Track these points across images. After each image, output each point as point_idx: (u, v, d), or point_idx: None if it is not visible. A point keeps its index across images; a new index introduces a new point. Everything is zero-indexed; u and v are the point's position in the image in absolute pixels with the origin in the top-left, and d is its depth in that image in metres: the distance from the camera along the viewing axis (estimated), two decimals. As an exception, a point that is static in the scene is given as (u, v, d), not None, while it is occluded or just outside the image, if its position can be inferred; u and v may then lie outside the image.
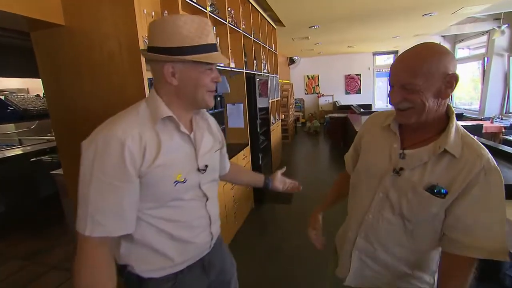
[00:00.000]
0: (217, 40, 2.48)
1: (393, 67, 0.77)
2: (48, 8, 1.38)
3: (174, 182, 0.79)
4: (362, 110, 6.73)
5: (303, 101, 9.57)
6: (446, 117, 0.80)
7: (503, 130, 4.67)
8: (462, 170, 0.73)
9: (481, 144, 0.76)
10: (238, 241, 2.68)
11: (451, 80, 0.72)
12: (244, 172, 1.33)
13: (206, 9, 2.13)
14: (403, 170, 0.80)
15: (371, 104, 8.93)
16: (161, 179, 0.77)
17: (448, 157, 0.75)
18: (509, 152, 2.10)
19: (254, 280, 2.12)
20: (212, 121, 1.01)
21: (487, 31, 5.88)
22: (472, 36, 6.87)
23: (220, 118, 2.99)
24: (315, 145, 7.01)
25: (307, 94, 9.56)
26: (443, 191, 0.74)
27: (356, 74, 9.24)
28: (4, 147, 3.33)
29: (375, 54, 9.04)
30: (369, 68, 9.13)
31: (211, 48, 0.79)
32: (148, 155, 0.75)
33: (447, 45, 7.81)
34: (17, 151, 3.21)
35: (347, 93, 9.43)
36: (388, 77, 0.80)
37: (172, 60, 0.76)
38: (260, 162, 3.43)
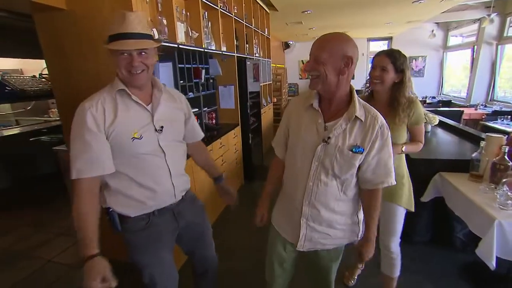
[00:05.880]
0: (208, 25, 2.58)
1: (312, 44, 0.99)
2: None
3: (132, 138, 1.03)
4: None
5: (297, 85, 9.64)
6: (349, 93, 1.03)
7: (483, 117, 4.80)
8: (368, 130, 1.00)
9: (374, 109, 1.04)
10: (228, 214, 2.89)
11: (348, 61, 0.95)
12: (204, 156, 1.45)
13: (198, -5, 2.23)
14: (330, 139, 1.01)
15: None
16: (121, 135, 1.01)
17: (358, 121, 1.00)
18: (471, 133, 2.56)
19: (241, 248, 2.35)
20: (176, 95, 1.24)
21: (478, 19, 5.92)
22: (464, 23, 6.91)
23: (212, 99, 3.14)
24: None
25: (301, 79, 9.61)
26: (360, 149, 1.00)
27: (350, 60, 9.32)
28: (1, 127, 3.39)
29: (369, 40, 9.06)
30: (363, 54, 9.18)
31: (123, 36, 0.96)
32: (108, 116, 1.00)
33: (440, 32, 7.91)
34: (15, 130, 3.31)
35: (340, 78, 9.51)
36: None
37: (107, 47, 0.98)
38: (250, 141, 3.61)
